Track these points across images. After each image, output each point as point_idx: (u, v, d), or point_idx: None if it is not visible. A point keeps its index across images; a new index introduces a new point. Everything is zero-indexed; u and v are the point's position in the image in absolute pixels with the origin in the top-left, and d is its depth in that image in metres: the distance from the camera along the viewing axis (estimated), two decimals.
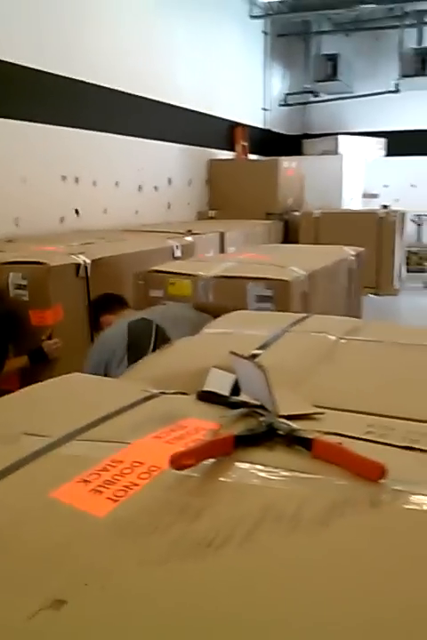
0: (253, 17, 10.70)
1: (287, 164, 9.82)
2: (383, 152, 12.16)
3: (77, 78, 6.59)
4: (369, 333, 1.86)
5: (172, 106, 8.40)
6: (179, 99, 8.55)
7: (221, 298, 2.80)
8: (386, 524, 0.81)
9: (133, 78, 7.49)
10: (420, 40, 11.88)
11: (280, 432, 1.04)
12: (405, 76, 11.54)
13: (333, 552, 0.76)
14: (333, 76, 11.64)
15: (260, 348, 1.67)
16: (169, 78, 8.36)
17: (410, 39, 11.94)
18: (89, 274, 3.34)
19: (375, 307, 6.84)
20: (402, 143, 12.26)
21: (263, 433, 1.03)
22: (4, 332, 3.02)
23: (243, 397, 1.26)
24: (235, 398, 1.24)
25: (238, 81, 10.44)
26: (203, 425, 1.10)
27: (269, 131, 11.78)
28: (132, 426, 1.10)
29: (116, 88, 7.16)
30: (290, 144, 12.00)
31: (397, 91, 11.99)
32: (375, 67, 12.26)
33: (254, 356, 1.64)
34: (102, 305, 2.91)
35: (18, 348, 3.06)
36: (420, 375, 1.52)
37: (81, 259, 3.36)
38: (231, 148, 10.32)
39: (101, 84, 6.92)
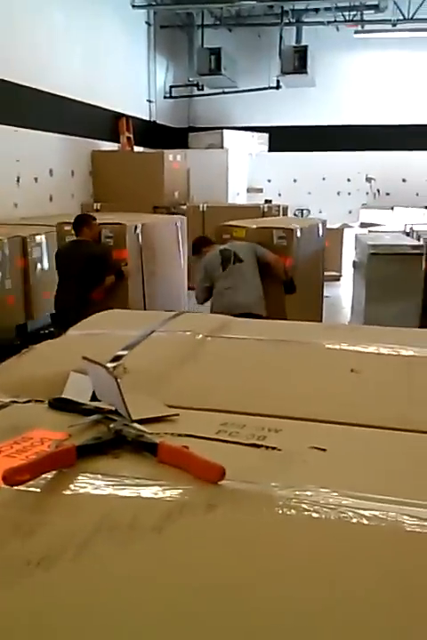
0: (135, 6, 10.60)
1: (173, 157, 9.85)
2: (266, 147, 12.52)
3: None
4: (236, 331, 1.90)
5: (52, 94, 8.15)
6: (60, 87, 8.31)
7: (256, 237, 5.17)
8: (218, 526, 0.83)
9: (10, 65, 7.18)
10: (299, 38, 12.31)
11: (128, 438, 1.04)
12: (285, 73, 11.91)
13: (164, 559, 0.77)
14: (216, 69, 11.80)
15: (124, 349, 1.66)
16: (49, 66, 8.10)
17: (290, 37, 12.35)
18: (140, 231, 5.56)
19: None
20: (284, 139, 12.69)
21: (109, 441, 1.02)
22: (103, 260, 4.97)
23: (98, 403, 1.24)
24: (88, 405, 1.22)
25: (122, 71, 10.31)
26: (50, 435, 1.07)
27: (154, 122, 11.75)
28: None
29: None
30: (176, 136, 12.05)
31: (278, 87, 12.36)
32: (258, 63, 12.56)
33: (118, 357, 1.62)
34: (204, 242, 5.07)
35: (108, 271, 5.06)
36: (277, 369, 1.58)
37: (136, 223, 5.57)
38: (116, 139, 10.19)
39: None
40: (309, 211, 12.53)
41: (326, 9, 11.65)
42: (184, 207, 9.57)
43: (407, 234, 7.50)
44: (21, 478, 0.85)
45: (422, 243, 6.44)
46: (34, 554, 0.77)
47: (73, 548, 0.78)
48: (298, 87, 12.29)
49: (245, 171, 12.19)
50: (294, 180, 13.04)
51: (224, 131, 11.65)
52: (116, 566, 0.77)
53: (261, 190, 12.66)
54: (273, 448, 1.09)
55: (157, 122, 11.84)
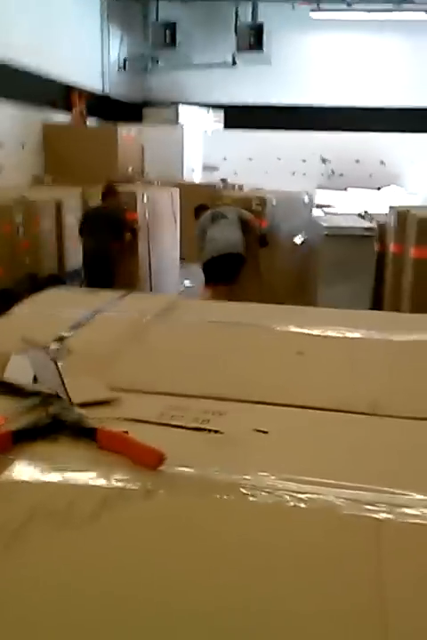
0: None
1: (126, 131, 9.67)
2: (222, 124, 12.43)
3: None
4: (183, 313, 1.89)
5: (1, 62, 7.87)
6: (9, 55, 8.02)
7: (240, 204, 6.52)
8: (155, 513, 0.83)
9: None
10: (254, 15, 12.20)
11: (66, 423, 1.02)
12: (241, 50, 11.81)
13: (100, 547, 0.76)
14: (171, 43, 11.60)
15: (69, 329, 1.63)
16: None
17: (246, 14, 12.23)
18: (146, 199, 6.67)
19: None
20: (240, 116, 12.62)
21: (47, 425, 1.00)
22: (122, 221, 6.18)
23: (39, 387, 1.21)
24: (28, 388, 1.19)
25: (75, 41, 10.03)
26: None
27: (107, 96, 11.50)
28: None
29: None
30: (130, 111, 11.83)
31: (234, 63, 12.26)
32: (213, 38, 12.41)
33: (62, 338, 1.59)
34: (202, 207, 6.35)
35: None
36: (223, 352, 1.57)
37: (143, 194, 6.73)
38: (69, 109, 9.93)
39: None
40: (263, 190, 12.53)
41: None
42: (138, 183, 9.43)
43: (362, 216, 7.59)
44: None
45: (374, 225, 6.53)
46: None
47: (6, 536, 0.76)
48: (254, 65, 12.22)
49: (200, 148, 12.10)
50: (250, 159, 13.00)
51: (180, 106, 11.50)
52: (51, 554, 0.75)
53: (216, 168, 12.60)
54: (215, 431, 1.09)
55: (111, 95, 11.58)
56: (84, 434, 0.99)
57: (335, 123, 12.96)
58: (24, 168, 8.76)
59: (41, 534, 0.77)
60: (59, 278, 7.45)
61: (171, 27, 11.67)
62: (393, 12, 12.12)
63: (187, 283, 7.92)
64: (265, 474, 0.91)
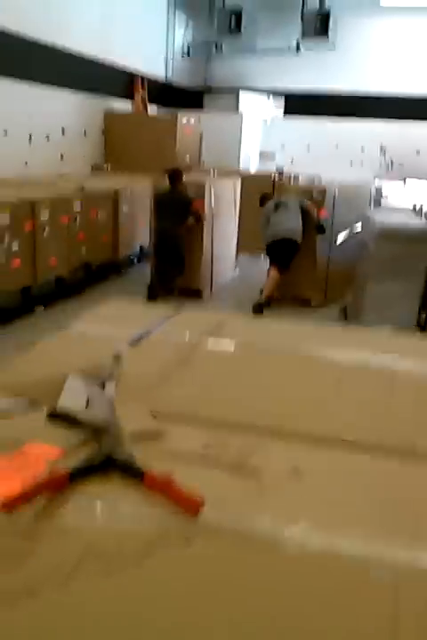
0: None
1: (186, 120, 9.74)
2: (281, 111, 12.35)
3: None
4: (229, 334, 1.96)
5: (66, 51, 8.05)
6: (74, 43, 8.20)
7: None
8: (194, 562, 0.92)
9: (23, 18, 7.07)
10: (322, 1, 12.00)
11: (117, 462, 1.12)
12: (306, 36, 11.66)
13: (141, 591, 0.86)
14: (236, 29, 11.56)
15: (122, 351, 1.73)
16: (63, 21, 7.98)
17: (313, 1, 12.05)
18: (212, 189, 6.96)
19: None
20: (299, 103, 12.50)
21: (100, 463, 1.10)
22: (188, 206, 6.56)
23: (92, 416, 1.32)
24: (83, 417, 1.30)
25: (140, 28, 10.14)
26: (46, 452, 1.15)
27: (170, 83, 11.58)
28: None
29: (3, 28, 6.75)
30: (191, 97, 11.89)
31: (298, 49, 12.12)
32: (278, 24, 12.29)
33: (115, 359, 1.69)
34: (267, 196, 6.92)
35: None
36: (263, 381, 1.64)
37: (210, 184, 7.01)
38: (130, 97, 10.08)
39: None
40: (320, 179, 12.40)
41: None
42: (202, 172, 9.49)
43: (417, 212, 7.45)
44: (18, 507, 0.93)
45: None
46: (22, 583, 0.85)
47: (60, 578, 0.86)
48: (318, 51, 12.05)
49: (258, 135, 12.06)
50: (308, 147, 12.88)
51: (240, 92, 11.47)
52: (99, 595, 0.85)
53: (273, 156, 12.54)
54: (253, 473, 1.17)
55: (173, 81, 11.67)
56: (133, 474, 1.08)
57: (397, 112, 12.67)
58: (85, 156, 8.97)
59: (91, 575, 0.87)
60: (114, 266, 7.66)
61: (237, 12, 11.62)
62: None
63: (235, 272, 8.06)
64: (299, 526, 0.99)
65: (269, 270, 6.66)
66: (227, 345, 1.85)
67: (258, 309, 6.20)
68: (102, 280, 7.28)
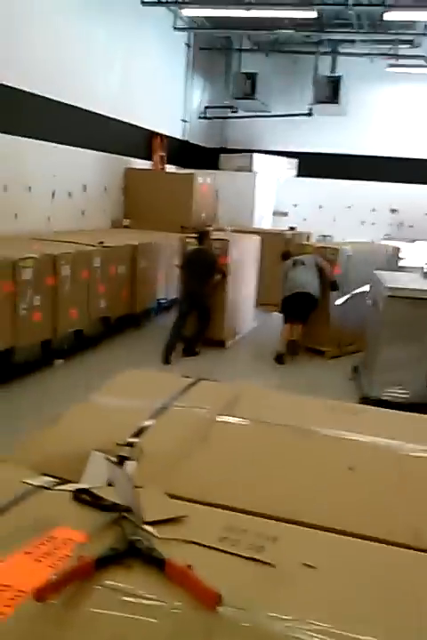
0: (176, 29, 10.80)
1: (203, 179, 10.01)
2: (294, 172, 12.63)
3: None
4: (246, 408, 2.03)
5: (88, 111, 8.36)
6: (96, 105, 8.52)
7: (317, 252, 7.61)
8: None
9: (49, 81, 7.40)
10: (333, 68, 12.42)
11: (140, 550, 1.18)
12: (318, 101, 12.02)
13: None
14: (251, 93, 11.96)
15: (142, 427, 1.80)
16: (86, 83, 8.32)
17: (324, 66, 12.47)
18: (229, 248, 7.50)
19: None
20: (312, 165, 12.79)
21: (124, 551, 1.16)
22: (214, 263, 7.07)
23: (116, 496, 1.38)
24: (107, 501, 1.36)
25: (159, 91, 10.52)
26: (72, 536, 1.22)
27: (187, 142, 11.93)
28: (4, 536, 1.20)
29: (29, 90, 7.05)
30: (207, 157, 12.22)
31: (310, 114, 12.47)
32: (291, 89, 12.70)
33: (138, 432, 1.76)
34: (288, 253, 7.53)
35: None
36: (279, 463, 1.70)
37: (229, 238, 7.74)
38: (149, 157, 10.38)
39: (14, 86, 6.79)
40: (331, 238, 12.61)
41: (362, 41, 11.74)
42: (210, 228, 9.70)
43: (425, 275, 7.53)
44: (50, 596, 1.00)
45: None
46: None
47: None
48: (330, 115, 12.40)
49: (272, 194, 12.32)
50: (320, 207, 13.13)
51: (254, 154, 11.79)
52: None
53: (286, 214, 12.78)
54: (268, 563, 1.22)
55: (190, 141, 12.03)
56: (155, 563, 1.14)
57: (407, 174, 12.94)
58: (105, 211, 9.22)
59: None
60: (132, 319, 7.79)
61: (252, 77, 12.05)
62: None
63: (254, 324, 8.60)
64: (312, 622, 1.04)
65: (283, 327, 7.21)
66: (243, 423, 1.91)
67: (279, 360, 6.97)
68: (120, 333, 7.40)
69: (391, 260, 8.54)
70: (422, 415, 2.23)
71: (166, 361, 6.44)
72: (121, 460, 1.62)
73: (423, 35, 11.20)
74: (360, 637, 1.03)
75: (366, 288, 7.40)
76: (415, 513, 1.52)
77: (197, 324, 6.96)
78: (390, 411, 2.26)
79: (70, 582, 1.06)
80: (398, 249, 8.99)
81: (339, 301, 7.47)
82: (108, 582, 1.09)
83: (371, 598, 1.16)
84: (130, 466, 1.60)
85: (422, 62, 12.03)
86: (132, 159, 9.83)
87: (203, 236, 7.26)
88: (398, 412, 2.26)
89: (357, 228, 12.70)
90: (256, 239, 8.66)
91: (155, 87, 10.28)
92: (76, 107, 8.05)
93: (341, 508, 1.52)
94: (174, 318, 6.98)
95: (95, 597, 1.06)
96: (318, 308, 7.19)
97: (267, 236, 9.29)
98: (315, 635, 1.01)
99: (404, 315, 6.30)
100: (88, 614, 1.03)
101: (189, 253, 7.21)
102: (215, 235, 7.82)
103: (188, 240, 7.51)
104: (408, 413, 2.27)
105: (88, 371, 5.86)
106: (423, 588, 1.21)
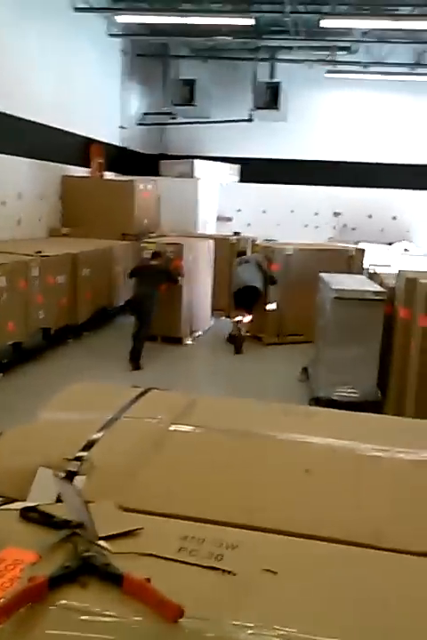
0: (111, 35, 10.70)
1: (143, 185, 9.94)
2: (237, 178, 12.72)
3: None
4: (199, 416, 1.99)
5: (23, 119, 8.16)
6: (31, 112, 8.33)
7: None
8: None
9: None
10: (272, 74, 12.58)
11: (95, 565, 1.12)
12: (257, 107, 12.16)
13: None
14: (190, 100, 11.98)
15: (91, 440, 1.73)
16: (20, 91, 8.12)
17: (263, 72, 12.62)
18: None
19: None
20: (254, 170, 12.92)
21: (78, 568, 1.10)
22: (168, 273, 7.59)
23: (66, 512, 1.32)
24: (58, 517, 1.30)
25: (95, 98, 10.38)
26: (21, 557, 1.15)
27: (125, 149, 11.82)
28: None
29: None
30: (147, 163, 12.14)
31: (250, 120, 12.60)
32: (231, 95, 12.79)
33: (87, 446, 1.69)
34: (240, 253, 8.98)
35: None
36: (235, 469, 1.67)
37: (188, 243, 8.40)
38: (87, 165, 10.23)
39: None
40: (275, 241, 12.76)
41: (300, 48, 11.95)
42: (154, 235, 9.65)
43: (371, 276, 7.69)
44: (2, 620, 0.93)
45: (384, 289, 6.62)
46: None
47: None
48: (270, 121, 12.55)
49: (215, 200, 12.36)
50: (264, 211, 13.27)
51: (195, 160, 11.80)
52: None
53: (230, 219, 12.85)
54: (228, 572, 1.18)
55: (129, 148, 11.92)
56: (111, 579, 1.09)
57: (348, 178, 13.23)
58: (42, 219, 9.01)
59: None
60: (74, 330, 7.64)
61: (190, 83, 12.07)
62: (407, 75, 12.45)
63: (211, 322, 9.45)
64: (276, 628, 1.01)
65: (234, 313, 8.30)
66: (197, 431, 1.87)
67: (231, 339, 8.19)
68: (61, 344, 7.25)
69: (353, 263, 8.92)
70: (375, 415, 2.25)
71: (135, 367, 6.60)
72: (70, 476, 1.55)
73: (360, 41, 11.50)
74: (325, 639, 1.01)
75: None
76: (374, 512, 1.51)
77: (137, 335, 7.00)
78: (344, 411, 2.27)
79: (22, 604, 0.99)
80: (362, 251, 9.36)
81: (269, 307, 8.51)
82: (62, 602, 1.03)
83: (333, 599, 1.14)
84: (79, 481, 1.53)
85: (359, 68, 12.34)
86: (69, 166, 9.65)
87: (156, 255, 7.63)
88: (351, 412, 2.27)
89: (300, 231, 12.90)
90: (210, 242, 9.18)
91: (91, 94, 10.14)
92: (10, 114, 7.84)
93: (299, 510, 1.50)
94: (133, 324, 7.07)
95: (50, 618, 1.00)
96: (260, 300, 8.34)
97: (226, 241, 9.57)
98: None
99: (351, 316, 6.41)
100: (43, 636, 0.97)
101: (140, 266, 7.66)
102: (169, 239, 8.41)
103: (143, 246, 7.93)
104: (361, 413, 2.28)
105: (28, 384, 5.72)
106: (385, 586, 1.20)
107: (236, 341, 8.06)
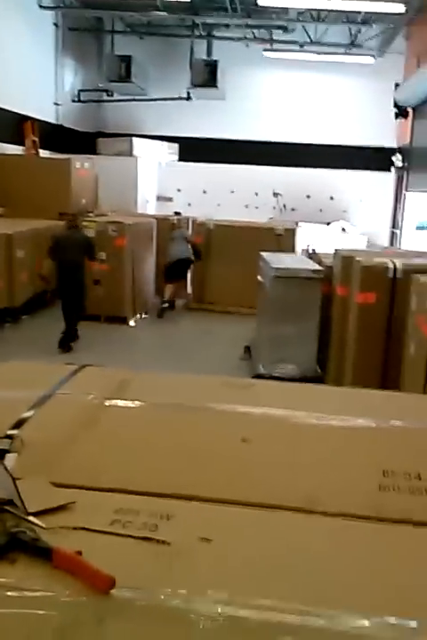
0: (42, 7, 10.35)
1: (80, 163, 9.73)
2: (176, 157, 12.62)
3: None
4: (134, 391, 1.96)
5: None
6: None
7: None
8: None
9: None
10: (209, 52, 12.50)
11: (23, 540, 1.08)
12: (195, 85, 12.07)
13: None
14: (126, 77, 11.77)
15: (22, 417, 1.68)
16: None
17: (201, 50, 12.52)
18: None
19: None
20: (194, 149, 12.85)
21: (5, 545, 1.07)
22: (92, 243, 7.41)
23: None
24: None
25: (28, 72, 10.05)
26: None
27: (61, 126, 11.52)
28: None
29: None
30: (84, 141, 11.89)
31: (188, 98, 12.50)
32: (168, 73, 12.64)
33: (18, 424, 1.64)
34: (173, 227, 9.85)
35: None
36: (171, 441, 1.65)
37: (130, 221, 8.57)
38: (20, 143, 9.91)
39: None
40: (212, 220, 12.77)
41: (237, 26, 11.91)
42: (91, 214, 9.48)
43: (310, 256, 7.82)
44: None
45: (321, 268, 6.76)
46: None
47: None
48: (208, 99, 12.49)
49: (154, 179, 12.24)
50: (204, 192, 13.23)
51: (134, 138, 11.63)
52: None
53: (170, 199, 12.75)
54: (163, 542, 1.17)
55: (65, 125, 11.61)
56: (40, 553, 1.06)
57: (287, 158, 13.34)
58: None
59: None
60: (11, 312, 7.43)
61: (126, 60, 11.85)
62: (343, 55, 12.62)
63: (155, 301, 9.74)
64: (210, 596, 1.00)
65: (165, 287, 9.16)
66: (133, 405, 1.85)
67: (161, 314, 8.89)
68: None
69: (282, 242, 9.16)
70: (312, 385, 2.28)
71: (66, 349, 6.48)
72: (0, 454, 1.50)
73: (297, 21, 11.55)
74: (260, 602, 1.01)
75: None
76: (308, 479, 1.53)
77: (70, 313, 6.83)
78: (281, 382, 2.29)
79: None
80: (292, 231, 9.70)
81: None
82: None
83: (269, 565, 1.15)
84: (10, 459, 1.49)
85: (296, 48, 12.41)
86: (1, 144, 9.32)
87: (71, 222, 7.37)
88: (288, 383, 2.30)
89: (241, 211, 12.92)
90: (152, 221, 9.45)
91: (23, 69, 9.79)
92: None
93: (235, 479, 1.50)
94: (61, 306, 6.84)
95: None
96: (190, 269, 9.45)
97: (168, 220, 9.66)
98: (213, 605, 0.98)
99: (290, 294, 6.52)
100: None
101: (57, 236, 7.13)
102: (111, 217, 8.54)
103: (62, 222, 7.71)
104: (298, 383, 2.31)
105: None
106: (318, 549, 1.22)
107: (161, 310, 8.83)
